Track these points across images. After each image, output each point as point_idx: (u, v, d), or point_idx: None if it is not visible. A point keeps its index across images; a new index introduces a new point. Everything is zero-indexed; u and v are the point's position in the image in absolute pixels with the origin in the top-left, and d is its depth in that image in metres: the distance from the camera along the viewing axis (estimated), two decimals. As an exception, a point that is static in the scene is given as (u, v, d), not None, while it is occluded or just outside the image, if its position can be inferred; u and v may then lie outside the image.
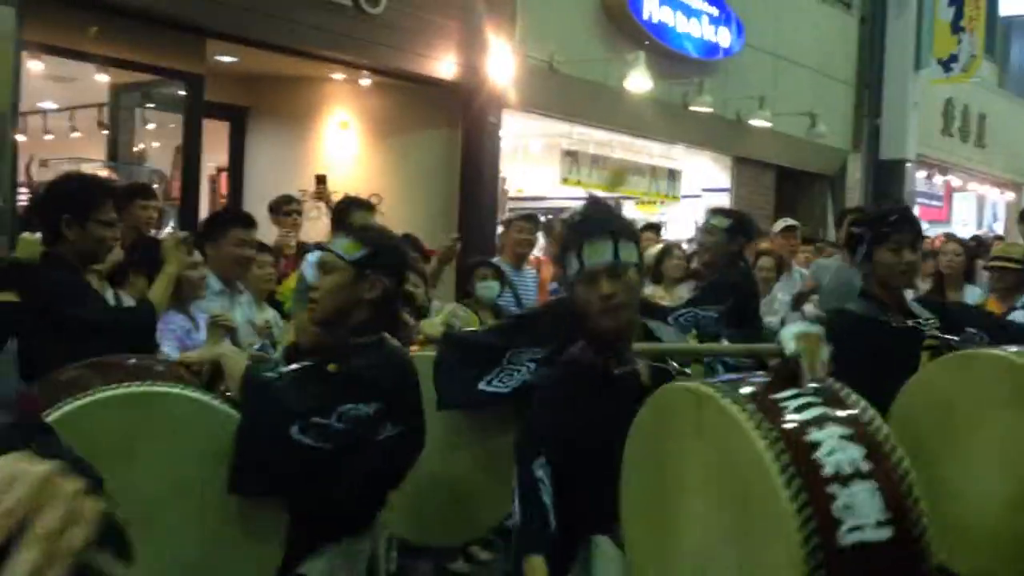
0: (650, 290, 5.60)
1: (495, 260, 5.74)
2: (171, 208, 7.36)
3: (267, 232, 6.52)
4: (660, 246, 6.62)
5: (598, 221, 2.23)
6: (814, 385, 1.66)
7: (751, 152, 11.56)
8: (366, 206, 4.93)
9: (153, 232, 4.96)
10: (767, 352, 1.96)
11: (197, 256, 3.64)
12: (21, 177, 6.77)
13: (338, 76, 8.43)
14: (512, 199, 11.16)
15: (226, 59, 7.68)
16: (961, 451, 2.14)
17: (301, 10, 6.99)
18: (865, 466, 1.48)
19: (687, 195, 11.49)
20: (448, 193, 8.33)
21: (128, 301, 3.31)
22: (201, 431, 2.02)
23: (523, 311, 3.06)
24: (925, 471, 1.60)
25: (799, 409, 1.58)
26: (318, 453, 2.12)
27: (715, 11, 10.34)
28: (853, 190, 12.96)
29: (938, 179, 15.55)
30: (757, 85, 10.99)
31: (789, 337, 1.82)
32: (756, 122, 10.86)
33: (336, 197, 7.23)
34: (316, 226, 7.29)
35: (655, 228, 8.21)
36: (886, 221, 2.91)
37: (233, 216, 4.51)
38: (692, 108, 9.98)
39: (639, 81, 9.08)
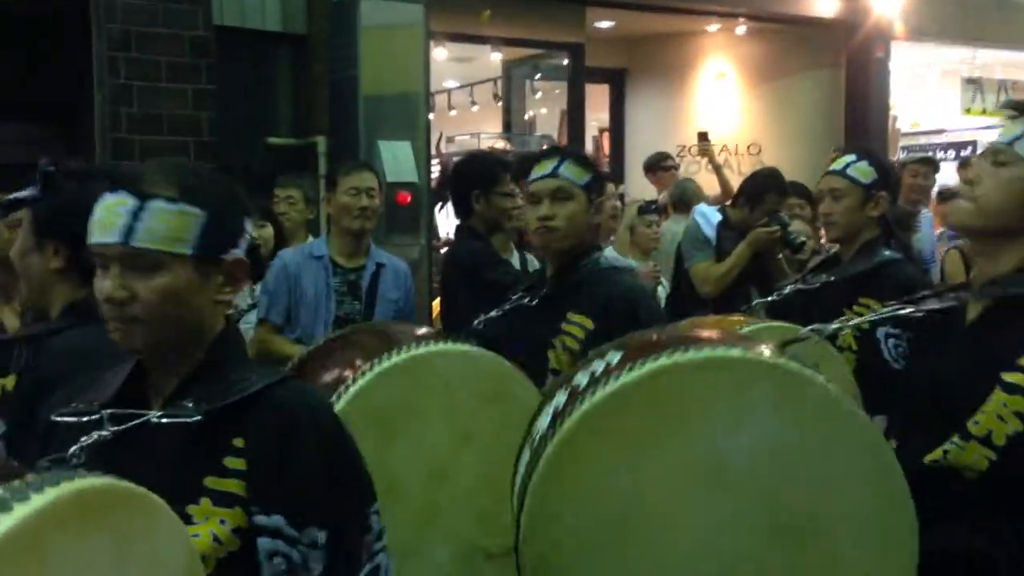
0: None
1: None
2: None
3: (644, 191, 6.74)
4: None
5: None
6: None
7: None
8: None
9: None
10: None
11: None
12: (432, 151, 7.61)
13: (713, 28, 8.40)
14: (905, 135, 10.41)
15: (604, 25, 7.99)
16: None
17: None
18: None
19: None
20: (832, 136, 8.00)
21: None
22: (470, 380, 2.01)
23: None
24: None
25: None
26: None
27: None
28: None
29: None
30: None
31: None
32: None
33: (719, 151, 7.27)
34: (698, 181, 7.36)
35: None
36: None
37: None
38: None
39: (1055, -8, 8.02)
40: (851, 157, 2.84)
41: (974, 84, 9.32)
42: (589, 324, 2.28)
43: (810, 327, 1.78)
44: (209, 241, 1.32)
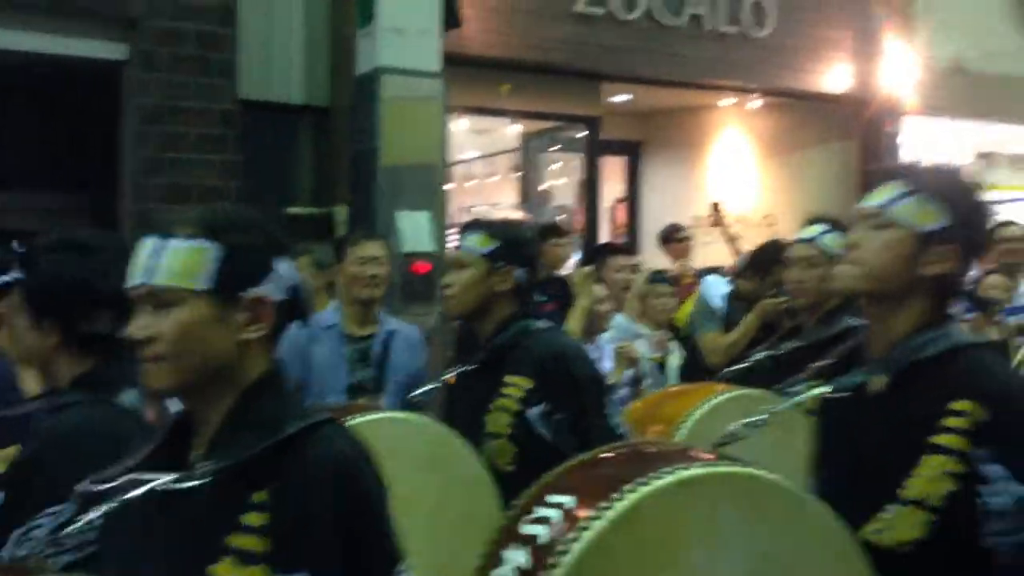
0: None
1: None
2: (575, 239, 7.96)
3: (658, 261, 6.81)
4: None
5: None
6: None
7: None
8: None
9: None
10: None
11: (602, 290, 3.96)
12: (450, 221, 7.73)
13: (726, 102, 8.55)
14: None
15: (620, 99, 8.16)
16: None
17: (688, 44, 7.23)
18: None
19: None
20: (846, 209, 8.03)
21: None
22: (408, 447, 2.11)
23: None
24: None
25: None
26: None
27: None
28: None
29: None
30: None
31: None
32: None
33: (732, 222, 7.34)
34: (710, 252, 7.43)
35: None
36: None
37: (611, 246, 4.84)
38: None
39: (1064, 70, 8.14)
40: (821, 227, 2.92)
41: (986, 159, 9.40)
42: (527, 383, 2.35)
43: (732, 426, 1.75)
44: (226, 277, 1.31)
